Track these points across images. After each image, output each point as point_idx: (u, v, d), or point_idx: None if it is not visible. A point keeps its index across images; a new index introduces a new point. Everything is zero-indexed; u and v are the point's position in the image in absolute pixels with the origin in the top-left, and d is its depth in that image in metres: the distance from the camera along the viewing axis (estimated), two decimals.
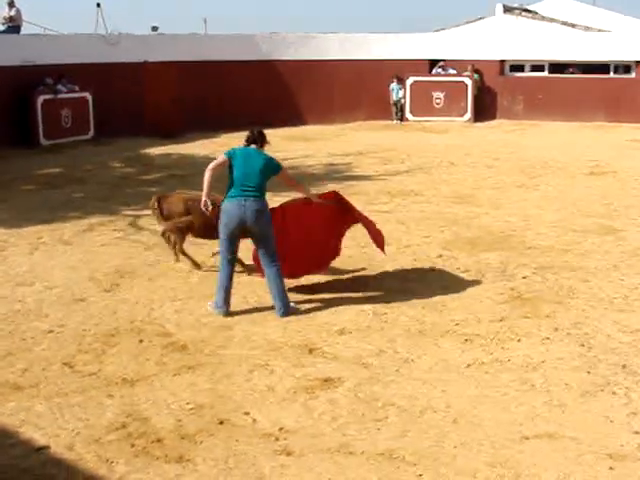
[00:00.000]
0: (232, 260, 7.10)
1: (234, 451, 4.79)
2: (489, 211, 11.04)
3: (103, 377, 5.83)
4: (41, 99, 17.39)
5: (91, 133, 18.51)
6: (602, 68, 21.52)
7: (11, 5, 18.52)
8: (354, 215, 7.81)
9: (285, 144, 18.14)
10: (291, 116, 21.10)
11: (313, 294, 7.56)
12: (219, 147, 14.99)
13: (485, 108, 21.71)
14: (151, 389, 5.64)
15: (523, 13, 29.07)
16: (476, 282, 7.93)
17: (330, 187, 12.46)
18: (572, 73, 21.77)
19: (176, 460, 4.71)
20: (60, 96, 17.81)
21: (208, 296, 7.35)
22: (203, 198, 7.05)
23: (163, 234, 8.61)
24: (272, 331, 6.69)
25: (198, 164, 12.88)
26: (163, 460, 4.71)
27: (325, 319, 6.95)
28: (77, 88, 18.26)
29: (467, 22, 29.66)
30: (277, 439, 4.93)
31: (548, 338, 6.49)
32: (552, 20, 27.77)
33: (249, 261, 7.84)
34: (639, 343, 6.37)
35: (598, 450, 4.74)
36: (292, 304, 7.15)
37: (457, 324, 6.81)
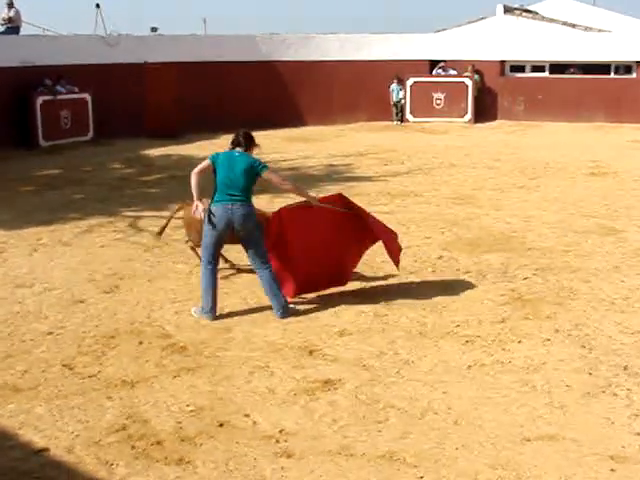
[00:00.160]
0: (215, 265, 7.07)
1: (234, 453, 4.77)
2: (489, 212, 11.03)
3: (103, 379, 5.82)
4: (40, 100, 17.39)
5: (90, 134, 18.50)
6: (603, 68, 21.51)
7: (10, 6, 18.53)
8: (373, 233, 7.50)
9: (285, 145, 18.16)
10: (291, 117, 21.09)
11: (313, 295, 7.54)
12: (218, 148, 14.81)
13: (485, 109, 21.70)
14: (151, 391, 5.62)
15: (523, 14, 29.08)
16: (477, 283, 7.91)
17: (330, 188, 12.48)
18: (573, 73, 21.76)
19: (176, 462, 4.69)
20: (59, 97, 17.82)
21: None
22: (194, 202, 6.98)
23: (191, 247, 8.37)
24: (272, 333, 6.68)
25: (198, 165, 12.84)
26: (163, 462, 4.70)
27: (325, 320, 6.93)
28: (76, 89, 18.25)
29: (468, 22, 29.67)
30: (277, 441, 4.91)
31: (549, 339, 6.47)
32: (552, 20, 27.78)
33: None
34: None
35: (599, 452, 4.73)
36: (291, 305, 7.14)
37: (458, 325, 6.80)
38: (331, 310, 7.16)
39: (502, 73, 22.11)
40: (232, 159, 6.90)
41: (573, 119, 20.72)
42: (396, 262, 7.64)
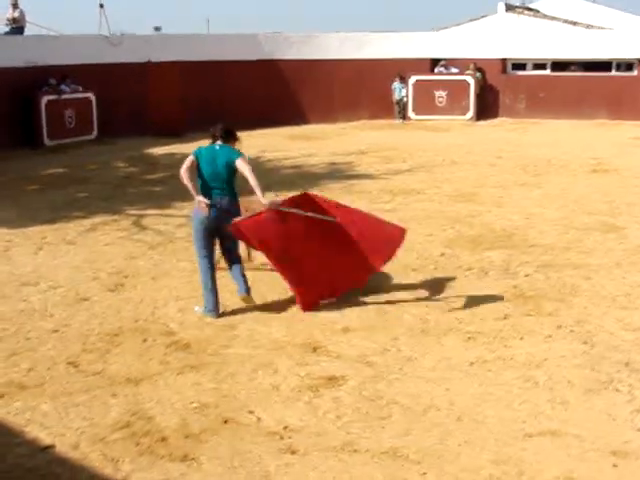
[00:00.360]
0: (211, 261, 7.10)
1: (238, 450, 4.81)
2: (491, 209, 11.05)
3: (107, 376, 5.85)
4: (45, 100, 17.41)
5: (94, 133, 18.53)
6: (604, 66, 21.51)
7: (15, 6, 18.56)
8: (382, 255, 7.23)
9: (287, 143, 18.19)
10: (293, 115, 21.12)
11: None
12: None
13: (487, 106, 21.71)
14: (155, 388, 5.66)
15: (525, 11, 29.08)
16: (479, 280, 7.94)
17: (332, 186, 12.53)
18: (574, 71, 21.77)
19: (181, 459, 4.72)
20: (64, 96, 17.84)
21: None
22: (196, 197, 6.96)
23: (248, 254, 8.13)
24: (276, 330, 6.71)
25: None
26: (168, 459, 4.73)
27: (329, 318, 6.96)
28: (80, 88, 18.27)
29: (469, 20, 29.69)
30: (282, 437, 4.94)
31: (551, 336, 6.50)
32: (554, 18, 27.78)
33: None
34: None
35: (601, 447, 4.76)
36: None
37: (460, 322, 6.83)
38: (334, 307, 7.18)
39: (504, 71, 22.11)
40: (214, 152, 6.98)
41: (574, 117, 20.72)
42: (383, 260, 7.33)
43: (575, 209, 11.00)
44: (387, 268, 8.25)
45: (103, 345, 6.45)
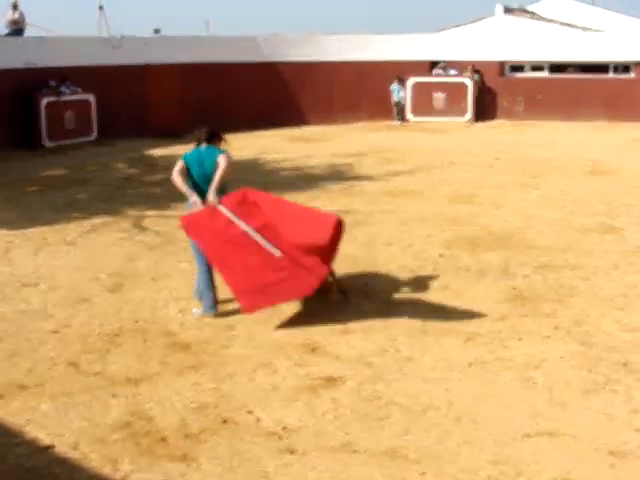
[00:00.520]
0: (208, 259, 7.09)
1: (238, 450, 4.82)
2: (490, 210, 11.08)
3: (107, 377, 5.87)
4: (45, 101, 17.44)
5: (94, 135, 18.55)
6: (601, 68, 21.56)
7: (15, 8, 18.60)
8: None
9: (287, 145, 18.21)
10: (292, 117, 21.15)
11: (315, 293, 7.57)
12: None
13: (485, 108, 21.76)
14: (155, 388, 5.67)
15: (523, 14, 29.14)
16: (477, 281, 7.96)
17: (332, 188, 12.55)
18: (572, 73, 21.82)
19: (180, 459, 4.74)
20: (63, 98, 17.87)
21: None
22: (191, 198, 6.98)
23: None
24: (275, 330, 6.73)
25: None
26: (167, 459, 4.74)
27: (328, 318, 6.96)
28: (80, 90, 18.30)
29: (468, 23, 29.73)
30: (281, 438, 4.96)
31: (549, 337, 6.52)
32: (551, 21, 27.84)
33: None
34: None
35: (599, 448, 4.77)
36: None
37: (459, 323, 6.84)
38: (333, 308, 7.21)
39: (502, 73, 22.16)
40: (201, 155, 7.10)
41: (572, 118, 20.79)
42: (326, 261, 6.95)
43: (573, 210, 11.03)
44: (386, 269, 8.29)
45: (103, 345, 6.47)
